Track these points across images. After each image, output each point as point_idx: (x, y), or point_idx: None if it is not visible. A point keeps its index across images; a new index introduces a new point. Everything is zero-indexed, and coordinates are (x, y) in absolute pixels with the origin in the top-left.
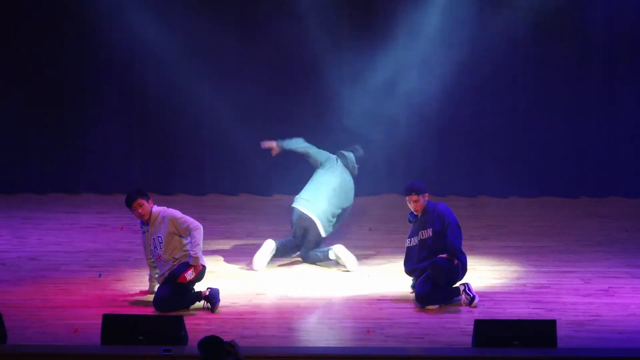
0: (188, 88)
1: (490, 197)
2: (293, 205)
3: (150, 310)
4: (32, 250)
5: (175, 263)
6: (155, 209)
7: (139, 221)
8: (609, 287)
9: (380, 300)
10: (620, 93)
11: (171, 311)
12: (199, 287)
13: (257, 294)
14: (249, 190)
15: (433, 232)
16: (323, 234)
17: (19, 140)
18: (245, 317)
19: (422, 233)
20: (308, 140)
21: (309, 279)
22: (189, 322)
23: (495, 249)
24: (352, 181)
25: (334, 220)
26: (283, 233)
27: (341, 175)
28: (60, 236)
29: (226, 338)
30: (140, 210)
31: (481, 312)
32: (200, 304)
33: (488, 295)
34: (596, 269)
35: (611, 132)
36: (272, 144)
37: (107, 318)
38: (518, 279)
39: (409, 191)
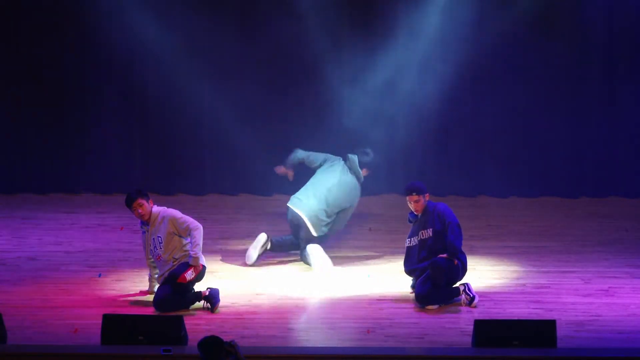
0: (188, 88)
1: (490, 197)
2: (287, 204)
3: (150, 310)
4: (32, 250)
5: (175, 263)
6: (155, 209)
7: (139, 221)
8: (609, 287)
9: (380, 300)
10: (620, 93)
11: (171, 311)
12: (199, 287)
13: (257, 294)
14: (249, 190)
15: (433, 232)
16: (314, 233)
17: (19, 140)
18: (245, 317)
19: (422, 233)
20: (307, 146)
21: (309, 279)
22: (189, 322)
23: (495, 249)
24: (353, 182)
25: (328, 220)
26: (283, 233)
27: (340, 175)
28: (60, 236)
29: (226, 338)
30: (140, 211)
31: (481, 312)
32: (200, 304)
33: (488, 295)
34: (596, 269)
35: (611, 132)
36: (282, 169)
37: (107, 318)
38: (518, 279)
39: (410, 191)
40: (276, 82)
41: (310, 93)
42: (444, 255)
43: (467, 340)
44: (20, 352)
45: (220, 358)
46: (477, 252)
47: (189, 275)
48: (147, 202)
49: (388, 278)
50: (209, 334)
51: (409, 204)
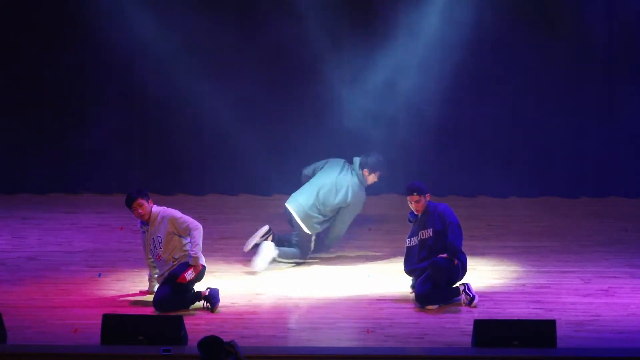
0: (188, 88)
1: (490, 197)
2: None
3: (150, 310)
4: (32, 250)
5: (175, 263)
6: (155, 208)
7: (139, 221)
8: (609, 287)
9: (380, 300)
10: (620, 93)
11: (171, 311)
12: (198, 287)
13: (257, 294)
14: (249, 190)
15: (433, 232)
16: (306, 230)
17: (19, 140)
18: (245, 317)
19: (422, 233)
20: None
21: (309, 279)
22: (189, 322)
23: (495, 249)
24: (352, 182)
25: (320, 217)
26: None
27: (338, 175)
28: (60, 236)
29: (226, 338)
30: (140, 211)
31: (481, 312)
32: (200, 304)
33: (488, 295)
34: (596, 269)
35: (611, 132)
36: None
37: (107, 318)
38: (518, 279)
39: (411, 191)
40: (276, 82)
41: (310, 93)
42: (444, 255)
43: (467, 340)
44: (20, 352)
45: (220, 358)
46: (477, 252)
47: (189, 275)
48: (147, 202)
49: (388, 278)
50: (209, 334)
51: (410, 204)
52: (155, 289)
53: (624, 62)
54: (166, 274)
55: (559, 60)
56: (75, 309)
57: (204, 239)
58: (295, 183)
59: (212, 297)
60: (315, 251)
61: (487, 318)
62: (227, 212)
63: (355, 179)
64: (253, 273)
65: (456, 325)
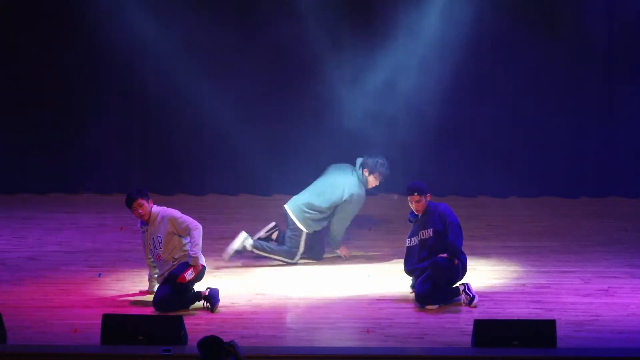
0: (188, 88)
1: (490, 197)
2: None
3: (150, 310)
4: (32, 250)
5: (174, 263)
6: (155, 208)
7: (139, 221)
8: (609, 287)
9: (380, 300)
10: (620, 93)
11: (171, 311)
12: (198, 287)
13: (257, 294)
14: (249, 190)
15: (434, 232)
16: (298, 224)
17: (19, 140)
18: (245, 317)
19: (422, 233)
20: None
21: (309, 279)
22: (189, 322)
23: (495, 249)
24: (350, 180)
25: (315, 214)
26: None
27: (338, 174)
28: (60, 236)
29: (226, 338)
30: (140, 211)
31: (481, 312)
32: (200, 304)
33: (488, 295)
34: (596, 269)
35: (611, 132)
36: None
37: (107, 318)
38: (518, 279)
39: (412, 191)
40: (276, 82)
41: (310, 93)
42: (445, 255)
43: (467, 340)
44: (20, 352)
45: (220, 358)
46: (477, 252)
47: (189, 275)
48: (147, 202)
49: (388, 278)
50: (208, 334)
51: (410, 204)
52: (155, 289)
53: (624, 62)
54: (166, 274)
55: (559, 60)
56: (75, 309)
57: (204, 239)
58: (295, 183)
59: (212, 297)
60: (311, 256)
61: (487, 318)
62: (227, 212)
63: (355, 178)
64: (253, 272)
65: (456, 325)
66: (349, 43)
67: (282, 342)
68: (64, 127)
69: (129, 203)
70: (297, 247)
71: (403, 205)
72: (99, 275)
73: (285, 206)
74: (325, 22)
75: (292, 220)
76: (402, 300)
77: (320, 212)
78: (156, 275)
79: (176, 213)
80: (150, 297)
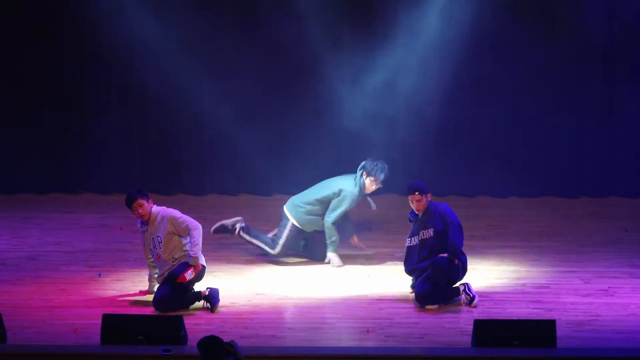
0: (188, 88)
1: (490, 197)
2: None
3: (150, 310)
4: (32, 250)
5: (174, 263)
6: (155, 208)
7: (139, 221)
8: (609, 287)
9: (380, 300)
10: (620, 93)
11: (171, 311)
12: (198, 287)
13: (257, 294)
14: (249, 190)
15: (434, 232)
16: (286, 212)
17: (18, 140)
18: (245, 317)
19: (422, 233)
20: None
21: (309, 279)
22: (189, 322)
23: (495, 249)
24: (347, 179)
25: (304, 207)
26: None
27: (337, 177)
28: (60, 236)
29: (226, 338)
30: (140, 211)
31: (481, 312)
32: (200, 304)
33: (488, 295)
34: (596, 269)
35: (611, 132)
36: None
37: (106, 318)
38: (518, 279)
39: (413, 190)
40: (276, 82)
41: (310, 93)
42: (445, 255)
43: (467, 340)
44: (20, 352)
45: (220, 358)
46: (477, 252)
47: (189, 275)
48: (147, 202)
49: (388, 278)
50: (208, 333)
51: (411, 203)
52: (155, 289)
53: (624, 62)
54: (166, 274)
55: (559, 60)
56: (75, 309)
57: (204, 239)
58: (295, 183)
59: (212, 297)
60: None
61: (487, 318)
62: (227, 212)
63: (351, 179)
64: (253, 272)
65: (456, 325)
66: (349, 43)
67: (282, 342)
68: (64, 127)
69: (129, 203)
70: (280, 237)
71: (403, 205)
72: (99, 275)
73: (284, 206)
74: (325, 22)
75: (284, 212)
76: (402, 300)
77: (311, 204)
78: (156, 275)
79: (176, 213)
80: (150, 297)
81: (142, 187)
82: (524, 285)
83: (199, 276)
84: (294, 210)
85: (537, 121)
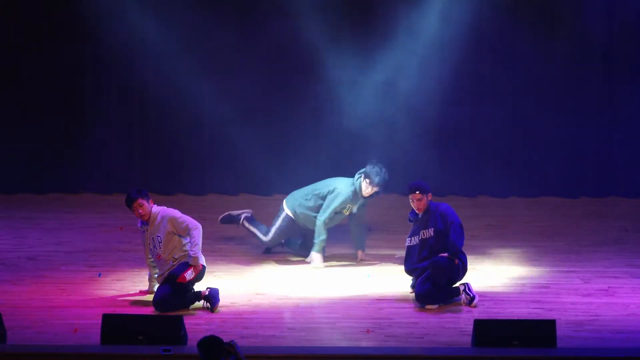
0: (188, 88)
1: (490, 197)
2: None
3: (150, 310)
4: (32, 250)
5: (174, 263)
6: (155, 208)
7: (139, 221)
8: (609, 287)
9: (380, 300)
10: (620, 93)
11: (171, 311)
12: (198, 287)
13: (257, 294)
14: (249, 190)
15: (435, 231)
16: (284, 204)
17: (18, 140)
18: (245, 317)
19: (423, 232)
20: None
21: (309, 279)
22: (189, 322)
23: (495, 249)
24: (345, 179)
25: (300, 199)
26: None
27: (339, 178)
28: (60, 236)
29: (226, 338)
30: (140, 211)
31: (481, 312)
32: (200, 303)
33: (488, 295)
34: (596, 269)
35: (611, 132)
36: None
37: (106, 318)
38: (518, 279)
39: (414, 189)
40: (276, 82)
41: (310, 93)
42: (445, 255)
43: (467, 340)
44: (20, 352)
45: (220, 358)
46: (477, 252)
47: (189, 275)
48: (147, 202)
49: (388, 278)
50: (208, 333)
51: (412, 203)
52: (155, 289)
53: (624, 62)
54: (166, 273)
55: (559, 60)
56: (75, 309)
57: (203, 239)
58: (295, 183)
59: (212, 297)
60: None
61: (487, 318)
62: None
63: (349, 180)
64: (253, 272)
65: (456, 325)
66: (348, 43)
67: (282, 342)
68: (63, 127)
69: (129, 203)
70: (273, 226)
71: (403, 205)
72: (99, 275)
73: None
74: (325, 22)
75: (281, 204)
76: (402, 300)
77: (307, 198)
78: (156, 275)
79: (176, 213)
80: (150, 297)
81: (142, 187)
82: (523, 285)
83: (199, 276)
84: (290, 202)
85: (537, 121)
